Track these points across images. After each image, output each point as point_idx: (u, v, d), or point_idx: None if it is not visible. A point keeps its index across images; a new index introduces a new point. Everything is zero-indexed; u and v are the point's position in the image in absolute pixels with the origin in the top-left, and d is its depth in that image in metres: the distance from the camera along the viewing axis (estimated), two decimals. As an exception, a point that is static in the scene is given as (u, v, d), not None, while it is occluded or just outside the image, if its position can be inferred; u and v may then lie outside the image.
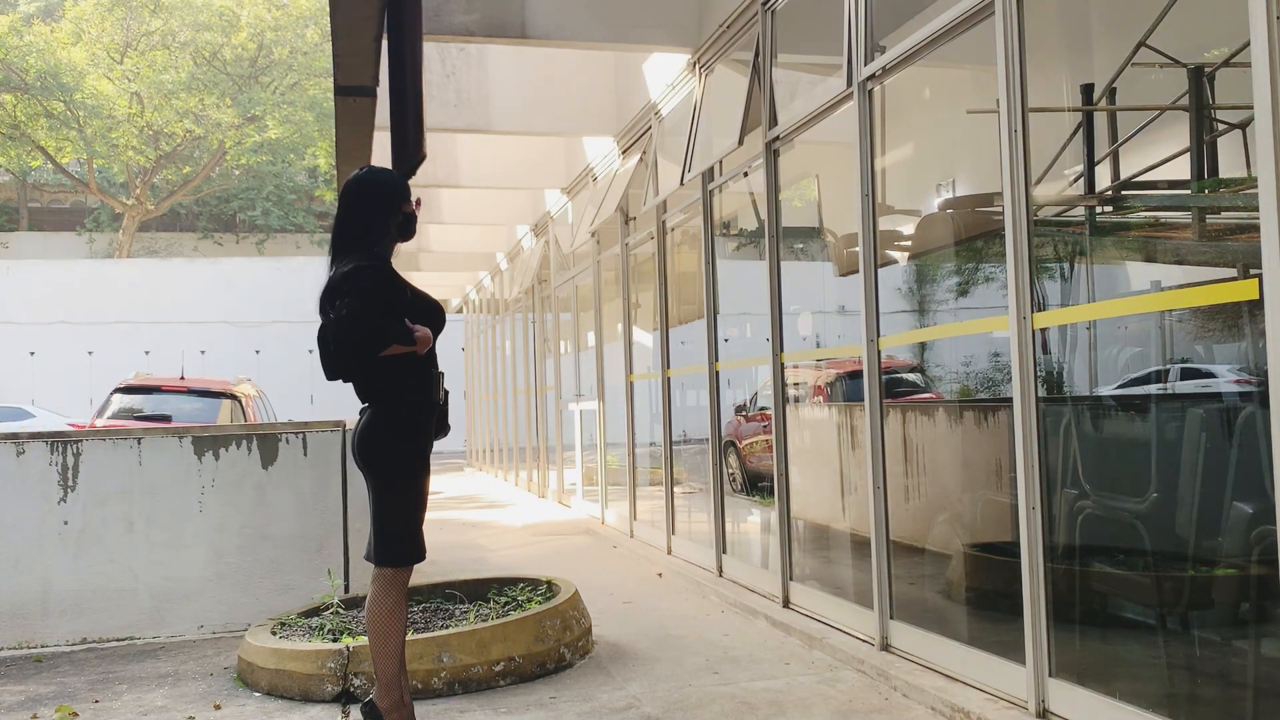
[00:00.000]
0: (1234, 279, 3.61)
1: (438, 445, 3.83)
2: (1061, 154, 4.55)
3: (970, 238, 5.24)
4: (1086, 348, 4.34)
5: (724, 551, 6.92)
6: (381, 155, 6.37)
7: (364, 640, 4.52)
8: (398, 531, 3.67)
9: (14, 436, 6.04)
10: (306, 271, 27.87)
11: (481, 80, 8.76)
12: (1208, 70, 4.00)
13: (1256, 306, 2.89)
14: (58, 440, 6.00)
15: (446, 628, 4.95)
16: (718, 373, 7.09)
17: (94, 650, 5.73)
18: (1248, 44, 2.88)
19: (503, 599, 5.52)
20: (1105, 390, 4.46)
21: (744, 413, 8.27)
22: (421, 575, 4.94)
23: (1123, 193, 4.50)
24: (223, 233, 40.90)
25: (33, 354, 26.96)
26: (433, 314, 3.79)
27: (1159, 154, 4.38)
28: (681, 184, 7.09)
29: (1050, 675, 3.71)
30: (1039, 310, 3.88)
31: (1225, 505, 3.62)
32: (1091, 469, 4.13)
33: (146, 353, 26.03)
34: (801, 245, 7.00)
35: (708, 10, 6.78)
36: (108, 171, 37.99)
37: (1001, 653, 4.02)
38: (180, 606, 5.99)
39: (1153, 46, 4.11)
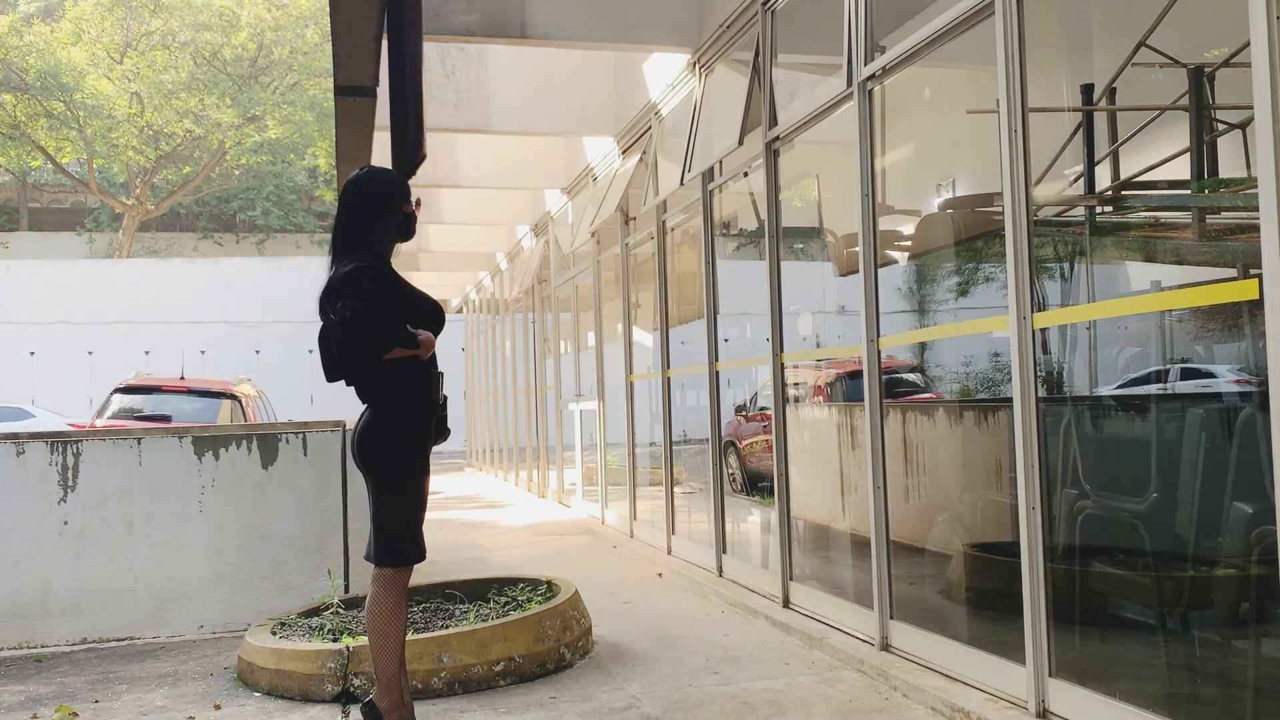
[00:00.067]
0: (1234, 279, 3.61)
1: (438, 446, 3.83)
2: (1061, 154, 4.55)
3: (970, 238, 5.24)
4: (1086, 348, 4.34)
5: (724, 551, 6.92)
6: (381, 155, 6.37)
7: (364, 640, 4.52)
8: (398, 532, 3.67)
9: (14, 436, 6.04)
10: (306, 271, 27.87)
11: (481, 80, 8.76)
12: (1208, 70, 4.00)
13: (1256, 306, 2.89)
14: (58, 440, 6.00)
15: (446, 628, 4.95)
16: (718, 373, 7.09)
17: (94, 650, 5.73)
18: (1248, 44, 2.88)
19: (503, 599, 5.52)
20: (1105, 390, 4.46)
21: (744, 413, 8.27)
22: (421, 575, 4.94)
23: (1123, 193, 4.50)
24: (223, 233, 40.90)
25: (33, 354, 26.96)
26: (432, 314, 3.80)
27: (1159, 154, 4.38)
28: (681, 184, 7.09)
29: (1050, 675, 3.71)
30: (1039, 310, 3.88)
31: (1225, 505, 3.62)
32: (1091, 469, 4.13)
33: (146, 353, 26.03)
34: (801, 245, 7.00)
35: (708, 10, 6.78)
36: (108, 171, 38.00)
37: (1001, 653, 4.02)
38: (180, 606, 5.99)
39: (1153, 46, 4.11)
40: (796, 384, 6.47)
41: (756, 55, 6.06)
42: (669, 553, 7.97)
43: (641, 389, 9.13)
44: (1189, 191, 4.23)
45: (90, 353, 26.40)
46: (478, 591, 5.69)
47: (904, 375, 6.07)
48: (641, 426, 9.15)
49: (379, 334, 3.53)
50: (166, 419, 11.08)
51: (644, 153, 8.36)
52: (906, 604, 4.81)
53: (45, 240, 39.04)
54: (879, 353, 4.89)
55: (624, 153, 8.99)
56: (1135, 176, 4.45)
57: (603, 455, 10.33)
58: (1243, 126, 3.70)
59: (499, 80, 8.80)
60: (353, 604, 5.53)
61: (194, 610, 6.00)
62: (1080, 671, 3.68)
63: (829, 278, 6.40)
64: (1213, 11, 3.96)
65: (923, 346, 5.91)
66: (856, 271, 5.00)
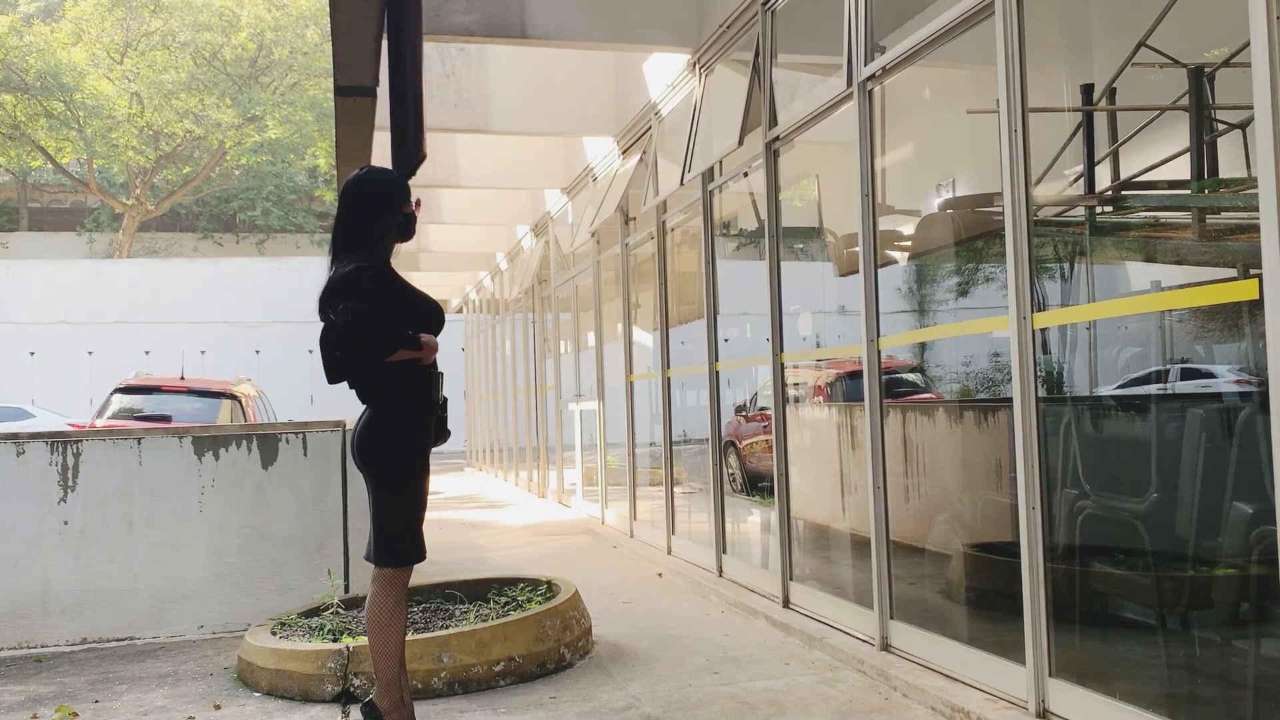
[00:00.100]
0: (1234, 279, 3.61)
1: (438, 447, 3.83)
2: (1061, 154, 4.55)
3: (970, 238, 5.24)
4: (1086, 348, 4.34)
5: (724, 551, 6.92)
6: (381, 155, 6.37)
7: (364, 640, 4.52)
8: (397, 531, 3.67)
9: (14, 436, 6.04)
10: (306, 271, 27.87)
11: (481, 80, 8.76)
12: (1208, 70, 4.00)
13: (1256, 306, 2.89)
14: (58, 440, 6.00)
15: (446, 628, 4.95)
16: (718, 373, 7.09)
17: (94, 650, 5.73)
18: (1248, 44, 2.88)
19: (503, 599, 5.52)
20: (1105, 390, 4.46)
21: (744, 413, 8.27)
22: (421, 575, 4.94)
23: (1123, 193, 4.50)
24: (223, 233, 40.89)
25: (33, 354, 26.96)
26: (432, 315, 3.80)
27: (1159, 154, 4.38)
28: (681, 184, 7.09)
29: (1050, 675, 3.71)
30: (1039, 310, 3.88)
31: (1225, 505, 3.62)
32: (1091, 469, 4.13)
33: (146, 353, 26.03)
34: (801, 245, 7.00)
35: (708, 10, 6.78)
36: (108, 171, 38.00)
37: (1001, 653, 4.02)
38: (180, 606, 5.99)
39: (1153, 46, 4.11)
40: (796, 384, 6.47)
41: (756, 55, 6.06)
42: (669, 553, 7.97)
43: (641, 389, 9.13)
44: (1189, 191, 4.23)
45: (90, 353, 26.40)
46: (478, 591, 5.69)
47: (904, 375, 6.07)
48: (641, 426, 9.15)
49: (382, 337, 3.54)
50: (166, 419, 11.08)
51: (644, 153, 8.36)
52: (906, 604, 4.81)
53: (45, 240, 39.04)
54: (879, 353, 4.89)
55: (624, 153, 8.99)
56: (1135, 176, 4.45)
57: (603, 455, 10.33)
58: (1243, 126, 3.70)
59: (499, 80, 8.80)
60: (353, 604, 5.53)
61: (194, 610, 6.00)
62: (1080, 671, 3.68)
63: (829, 278, 6.40)
64: (1213, 11, 3.96)
65: (923, 346, 5.91)
66: (856, 271, 5.00)
